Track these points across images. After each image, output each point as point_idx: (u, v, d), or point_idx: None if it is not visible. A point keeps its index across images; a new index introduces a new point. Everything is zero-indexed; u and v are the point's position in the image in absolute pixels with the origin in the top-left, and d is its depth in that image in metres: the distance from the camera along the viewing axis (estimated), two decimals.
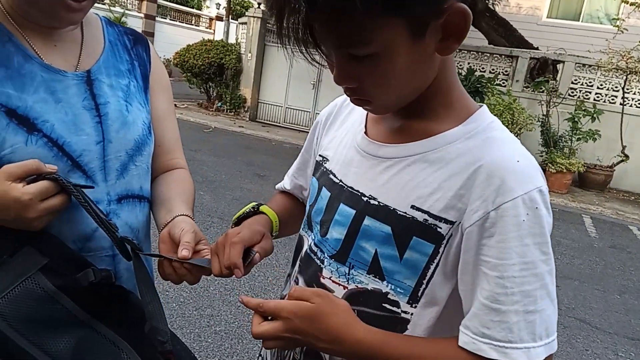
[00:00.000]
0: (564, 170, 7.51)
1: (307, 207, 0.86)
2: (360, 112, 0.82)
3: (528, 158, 0.63)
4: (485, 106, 0.70)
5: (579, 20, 11.83)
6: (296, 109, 10.64)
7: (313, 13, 0.54)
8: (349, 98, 0.70)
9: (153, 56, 1.03)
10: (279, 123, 10.79)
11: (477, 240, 0.62)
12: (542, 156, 7.97)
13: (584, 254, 4.97)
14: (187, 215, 0.89)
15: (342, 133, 0.84)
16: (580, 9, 11.84)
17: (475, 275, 0.62)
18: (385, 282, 0.69)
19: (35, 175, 0.70)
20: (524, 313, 0.59)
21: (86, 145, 0.83)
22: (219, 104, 11.18)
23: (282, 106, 10.78)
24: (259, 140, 8.90)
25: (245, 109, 10.91)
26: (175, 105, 1.14)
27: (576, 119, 7.75)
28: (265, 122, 10.87)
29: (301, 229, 0.88)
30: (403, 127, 0.72)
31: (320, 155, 0.86)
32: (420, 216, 0.66)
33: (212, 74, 10.75)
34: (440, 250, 0.66)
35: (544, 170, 7.64)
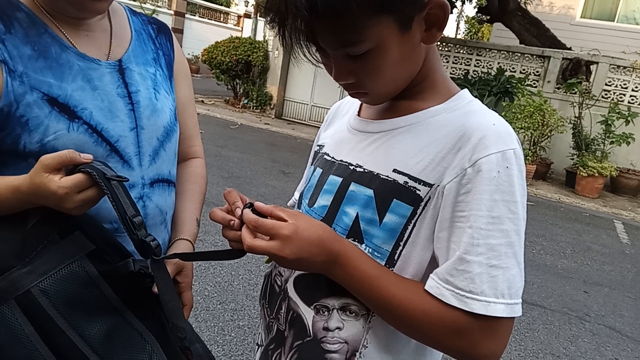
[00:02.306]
0: (596, 174, 7.30)
1: (300, 192, 0.90)
2: (355, 107, 0.87)
3: (504, 125, 0.67)
4: (466, 89, 0.75)
5: (614, 21, 11.50)
6: (322, 107, 10.64)
7: (314, 18, 0.60)
8: (348, 97, 0.73)
9: (175, 45, 1.06)
10: (305, 121, 10.82)
11: (455, 196, 0.64)
12: (573, 159, 7.76)
13: (615, 260, 4.83)
14: (183, 239, 0.95)
15: (338, 124, 0.89)
16: (616, 9, 11.50)
17: (451, 232, 0.65)
18: (364, 246, 0.72)
19: (73, 166, 0.72)
20: (487, 266, 0.61)
21: (122, 131, 0.87)
22: (245, 100, 11.27)
23: (307, 104, 10.81)
24: (284, 138, 8.95)
25: (271, 106, 10.98)
26: (202, 101, 1.17)
27: (609, 122, 7.53)
28: (291, 119, 10.91)
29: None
30: (391, 106, 0.78)
31: (318, 145, 0.91)
32: (401, 179, 0.69)
33: (239, 71, 10.85)
34: (418, 212, 0.68)
35: (575, 174, 7.53)
